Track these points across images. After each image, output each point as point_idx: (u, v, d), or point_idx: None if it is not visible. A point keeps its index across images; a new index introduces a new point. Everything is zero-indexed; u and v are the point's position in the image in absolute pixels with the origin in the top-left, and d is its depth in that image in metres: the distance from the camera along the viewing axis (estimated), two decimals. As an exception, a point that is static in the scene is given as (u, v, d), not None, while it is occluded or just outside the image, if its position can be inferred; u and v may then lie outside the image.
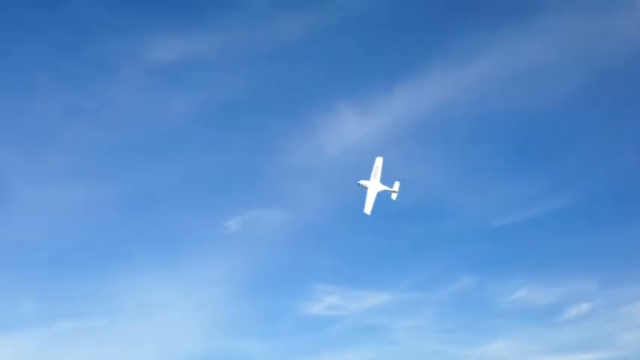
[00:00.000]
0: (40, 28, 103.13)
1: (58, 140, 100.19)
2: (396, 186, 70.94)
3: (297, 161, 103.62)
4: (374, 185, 69.99)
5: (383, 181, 71.01)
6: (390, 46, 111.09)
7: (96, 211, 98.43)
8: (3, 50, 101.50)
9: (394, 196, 70.86)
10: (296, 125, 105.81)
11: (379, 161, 70.49)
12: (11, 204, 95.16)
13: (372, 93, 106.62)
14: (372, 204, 69.50)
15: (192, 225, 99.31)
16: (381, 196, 73.41)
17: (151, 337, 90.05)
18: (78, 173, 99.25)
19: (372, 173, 70.21)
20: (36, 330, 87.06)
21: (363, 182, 70.12)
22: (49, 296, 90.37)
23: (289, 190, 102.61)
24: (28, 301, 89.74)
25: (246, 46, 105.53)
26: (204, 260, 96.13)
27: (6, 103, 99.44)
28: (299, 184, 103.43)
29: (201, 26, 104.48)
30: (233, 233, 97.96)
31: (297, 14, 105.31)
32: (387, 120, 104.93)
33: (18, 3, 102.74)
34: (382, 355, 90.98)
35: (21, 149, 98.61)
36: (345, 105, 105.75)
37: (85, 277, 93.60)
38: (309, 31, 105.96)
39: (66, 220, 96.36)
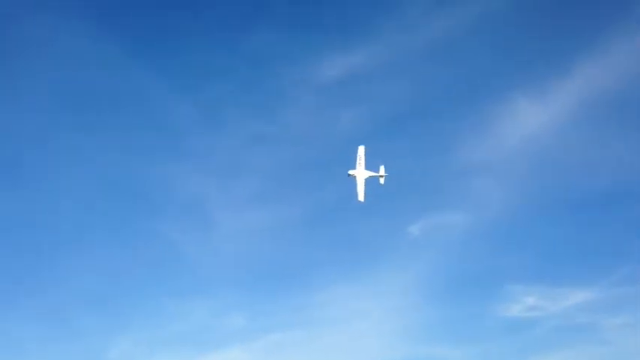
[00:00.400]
0: (225, 68, 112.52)
1: (246, 167, 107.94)
2: (382, 170, 75.20)
3: (474, 158, 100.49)
4: (361, 173, 74.54)
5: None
6: (561, 25, 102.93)
7: (286, 229, 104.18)
8: (196, 92, 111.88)
9: (382, 180, 75.08)
10: (469, 122, 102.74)
11: (361, 150, 75.37)
12: (213, 230, 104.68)
13: (548, 77, 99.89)
14: (362, 191, 73.95)
15: (376, 234, 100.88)
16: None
17: (348, 347, 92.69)
18: (265, 196, 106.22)
19: (357, 162, 74.78)
20: (247, 344, 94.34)
21: (351, 172, 74.59)
22: (256, 312, 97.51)
23: (470, 189, 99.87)
24: (238, 318, 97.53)
25: (408, 51, 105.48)
26: (391, 267, 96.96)
27: (201, 139, 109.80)
28: (479, 181, 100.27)
29: (361, 40, 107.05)
30: (416, 239, 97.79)
31: (455, 10, 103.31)
32: (567, 103, 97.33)
33: (205, 48, 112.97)
34: (591, 356, 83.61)
35: (216, 179, 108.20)
36: (519, 94, 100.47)
37: (286, 291, 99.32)
38: (469, 25, 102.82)
39: (260, 240, 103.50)
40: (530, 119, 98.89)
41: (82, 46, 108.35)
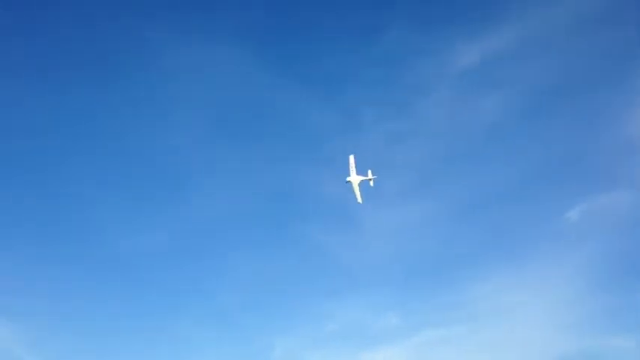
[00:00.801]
0: (360, 71, 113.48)
1: (389, 166, 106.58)
2: (370, 174, 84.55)
3: (635, 133, 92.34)
4: (354, 179, 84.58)
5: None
6: None
7: (435, 223, 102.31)
8: (335, 98, 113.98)
9: (371, 183, 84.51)
10: (625, 94, 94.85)
11: (352, 159, 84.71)
12: (361, 229, 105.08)
13: None
14: (359, 193, 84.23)
15: (531, 222, 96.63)
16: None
17: (510, 340, 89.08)
18: (410, 192, 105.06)
19: (350, 170, 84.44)
20: (402, 342, 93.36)
21: (348, 179, 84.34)
22: (409, 309, 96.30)
23: (632, 166, 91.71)
24: (392, 316, 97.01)
25: (549, 27, 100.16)
26: (550, 256, 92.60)
27: (340, 141, 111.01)
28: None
29: (494, 23, 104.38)
30: (576, 223, 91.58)
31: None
32: None
33: (340, 54, 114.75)
34: None
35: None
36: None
37: (439, 287, 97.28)
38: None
39: (409, 237, 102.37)
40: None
41: (229, 68, 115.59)
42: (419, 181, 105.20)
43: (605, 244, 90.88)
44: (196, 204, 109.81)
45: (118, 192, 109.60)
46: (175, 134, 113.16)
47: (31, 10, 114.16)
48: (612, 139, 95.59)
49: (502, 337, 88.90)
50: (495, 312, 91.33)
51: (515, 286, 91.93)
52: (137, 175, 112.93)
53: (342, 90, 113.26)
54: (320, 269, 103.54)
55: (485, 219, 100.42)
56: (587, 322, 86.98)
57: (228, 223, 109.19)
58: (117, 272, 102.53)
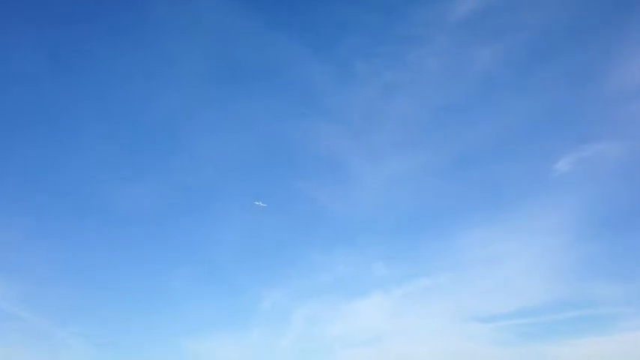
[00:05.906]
0: (355, 21, 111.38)
1: (382, 117, 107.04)
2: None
3: (627, 84, 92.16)
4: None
5: None
6: None
7: (425, 176, 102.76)
8: (329, 49, 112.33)
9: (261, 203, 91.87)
10: (619, 45, 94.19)
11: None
12: (352, 182, 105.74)
13: None
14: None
15: (520, 174, 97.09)
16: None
17: (497, 288, 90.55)
18: (403, 144, 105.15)
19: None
20: (391, 291, 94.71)
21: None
22: (398, 259, 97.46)
23: (622, 117, 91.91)
24: (381, 266, 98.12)
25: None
26: (539, 207, 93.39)
27: (336, 95, 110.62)
28: (634, 108, 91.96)
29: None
30: (564, 174, 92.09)
31: None
32: None
33: (335, 3, 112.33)
34: None
35: (351, 132, 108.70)
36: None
37: (427, 237, 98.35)
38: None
39: (400, 188, 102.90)
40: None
41: (219, 19, 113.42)
42: (413, 132, 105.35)
43: (593, 195, 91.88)
44: (189, 160, 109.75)
45: (111, 148, 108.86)
46: (166, 91, 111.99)
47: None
48: (605, 88, 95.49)
49: (490, 285, 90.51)
50: (483, 261, 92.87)
51: (503, 236, 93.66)
52: (131, 132, 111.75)
53: (335, 41, 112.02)
54: (312, 223, 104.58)
55: (476, 171, 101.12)
56: (578, 269, 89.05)
57: (220, 179, 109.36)
58: (110, 227, 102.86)
